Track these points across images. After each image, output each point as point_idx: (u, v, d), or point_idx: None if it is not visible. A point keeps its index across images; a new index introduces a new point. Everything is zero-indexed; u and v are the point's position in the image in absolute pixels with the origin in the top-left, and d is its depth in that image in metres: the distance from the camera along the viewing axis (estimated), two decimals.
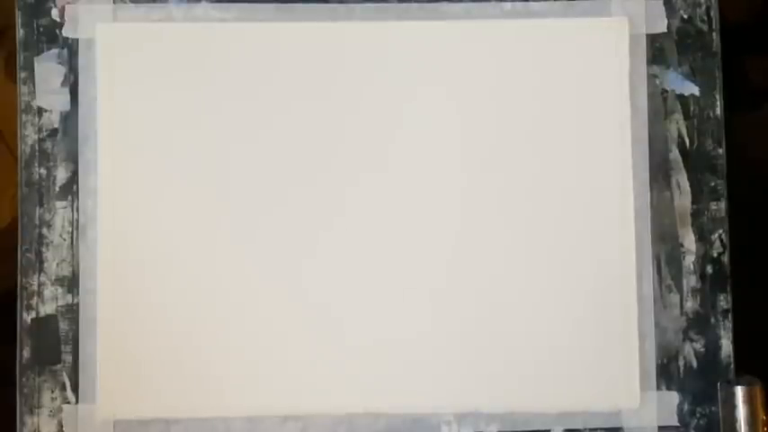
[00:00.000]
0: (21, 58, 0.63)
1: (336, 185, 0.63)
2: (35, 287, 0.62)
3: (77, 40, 0.63)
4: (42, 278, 0.62)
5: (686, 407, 0.63)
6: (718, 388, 0.63)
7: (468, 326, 0.62)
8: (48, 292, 0.62)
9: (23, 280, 0.62)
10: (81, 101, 0.63)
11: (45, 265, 0.62)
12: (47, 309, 0.62)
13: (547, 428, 0.62)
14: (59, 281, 0.62)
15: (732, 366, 0.64)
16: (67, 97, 0.63)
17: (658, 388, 0.63)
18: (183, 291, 0.62)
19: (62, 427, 0.61)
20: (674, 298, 0.64)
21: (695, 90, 0.65)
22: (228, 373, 0.61)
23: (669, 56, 0.65)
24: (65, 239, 0.62)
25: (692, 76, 0.65)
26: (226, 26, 0.63)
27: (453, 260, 0.63)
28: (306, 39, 0.63)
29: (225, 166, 0.62)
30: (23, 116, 0.63)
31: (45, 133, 0.63)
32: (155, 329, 0.61)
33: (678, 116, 0.65)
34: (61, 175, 0.63)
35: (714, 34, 0.65)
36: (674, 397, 0.63)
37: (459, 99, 0.63)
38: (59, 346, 0.62)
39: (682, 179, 0.64)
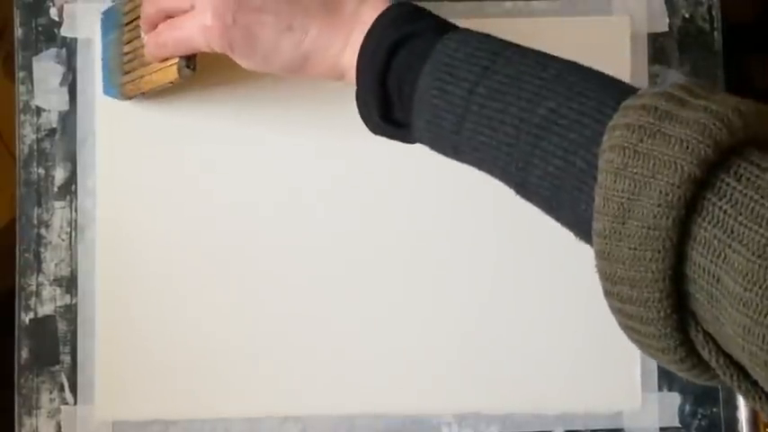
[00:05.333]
0: (19, 57, 0.63)
1: (334, 195, 0.62)
2: (33, 287, 0.62)
3: (76, 39, 0.63)
4: (41, 278, 0.62)
5: (688, 408, 0.63)
6: (720, 389, 0.63)
7: (468, 327, 0.62)
8: (46, 292, 0.62)
9: (22, 280, 0.62)
10: (79, 100, 0.63)
11: (43, 265, 0.62)
12: (45, 309, 0.62)
13: (548, 429, 0.62)
14: (58, 281, 0.62)
15: None
16: (66, 97, 0.63)
17: (660, 389, 0.63)
18: (182, 291, 0.61)
19: (60, 428, 0.61)
20: None
21: None
22: (228, 373, 0.61)
23: (670, 55, 0.65)
24: (63, 240, 0.62)
25: (694, 75, 0.65)
26: None
27: (453, 261, 0.62)
28: None
29: (224, 165, 0.62)
30: (22, 116, 0.63)
31: (43, 133, 0.63)
32: (153, 330, 0.61)
33: None
34: (60, 175, 0.62)
35: (716, 33, 0.65)
36: (675, 398, 0.63)
37: None
38: (58, 347, 0.61)
39: None
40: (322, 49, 0.49)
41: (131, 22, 0.58)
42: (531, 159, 0.41)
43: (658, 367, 0.63)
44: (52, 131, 0.63)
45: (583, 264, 0.63)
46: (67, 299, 0.62)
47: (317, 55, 0.49)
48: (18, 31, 0.63)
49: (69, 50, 0.63)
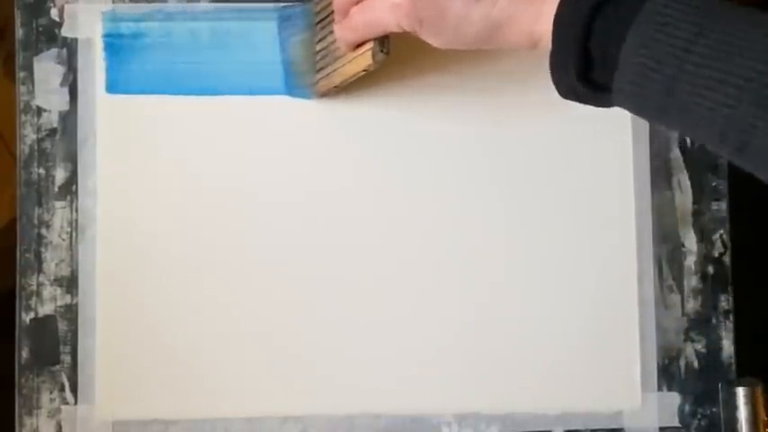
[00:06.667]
0: (20, 57, 0.63)
1: (334, 196, 0.62)
2: (34, 287, 0.62)
3: (76, 39, 0.63)
4: (41, 278, 0.62)
5: (687, 408, 0.63)
6: (720, 389, 0.63)
7: (468, 327, 0.62)
8: (46, 292, 0.62)
9: (22, 280, 0.62)
10: (80, 100, 0.63)
11: (44, 265, 0.62)
12: (45, 309, 0.62)
13: (548, 429, 0.62)
14: (58, 281, 0.62)
15: (733, 367, 0.63)
16: (66, 97, 0.63)
17: (659, 389, 0.63)
18: (183, 291, 0.61)
19: (61, 427, 0.61)
20: (676, 298, 0.64)
21: None
22: (228, 373, 0.61)
23: None
24: (64, 240, 0.62)
25: None
26: None
27: (454, 262, 0.62)
28: None
29: (225, 165, 0.62)
30: (22, 116, 0.63)
31: (44, 133, 0.63)
32: (154, 330, 0.61)
33: None
34: (60, 174, 0.62)
35: None
36: (675, 398, 0.63)
37: (458, 104, 0.63)
38: (58, 347, 0.61)
39: (683, 179, 0.64)
40: (514, 17, 0.49)
41: (323, 20, 0.58)
42: (756, 122, 0.40)
43: (658, 367, 0.63)
44: (53, 131, 0.63)
45: (584, 264, 0.63)
46: (68, 299, 0.62)
47: (509, 23, 0.49)
48: (19, 32, 0.63)
49: (70, 51, 0.63)
